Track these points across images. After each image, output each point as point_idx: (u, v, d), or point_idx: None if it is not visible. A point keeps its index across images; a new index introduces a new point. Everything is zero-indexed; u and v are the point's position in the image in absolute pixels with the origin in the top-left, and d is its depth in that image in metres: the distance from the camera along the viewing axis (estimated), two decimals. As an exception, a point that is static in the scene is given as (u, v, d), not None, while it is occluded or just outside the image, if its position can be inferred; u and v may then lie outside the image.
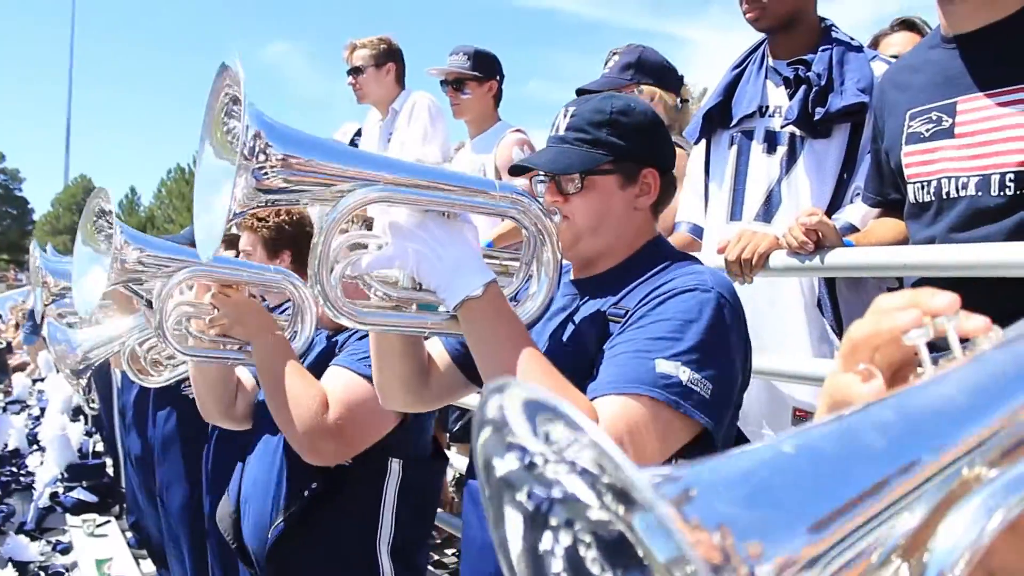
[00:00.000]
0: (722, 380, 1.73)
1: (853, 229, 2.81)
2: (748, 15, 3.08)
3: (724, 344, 1.77)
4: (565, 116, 2.02)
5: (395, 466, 2.71)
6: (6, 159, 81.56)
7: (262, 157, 1.65)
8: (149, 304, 3.15)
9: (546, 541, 0.66)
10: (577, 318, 1.95)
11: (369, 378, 2.46)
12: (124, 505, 7.76)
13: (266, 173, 1.66)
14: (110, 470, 8.62)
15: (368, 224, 1.90)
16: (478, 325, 1.77)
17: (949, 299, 0.76)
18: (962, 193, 2.36)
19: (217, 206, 1.70)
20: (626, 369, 1.70)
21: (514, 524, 0.67)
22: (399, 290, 1.85)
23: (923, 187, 2.46)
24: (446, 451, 4.84)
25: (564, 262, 1.95)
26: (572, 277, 2.07)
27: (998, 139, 2.29)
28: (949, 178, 2.38)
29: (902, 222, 2.64)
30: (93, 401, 8.07)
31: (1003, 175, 2.27)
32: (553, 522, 0.66)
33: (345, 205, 1.69)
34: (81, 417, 9.62)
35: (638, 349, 1.72)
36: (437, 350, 2.14)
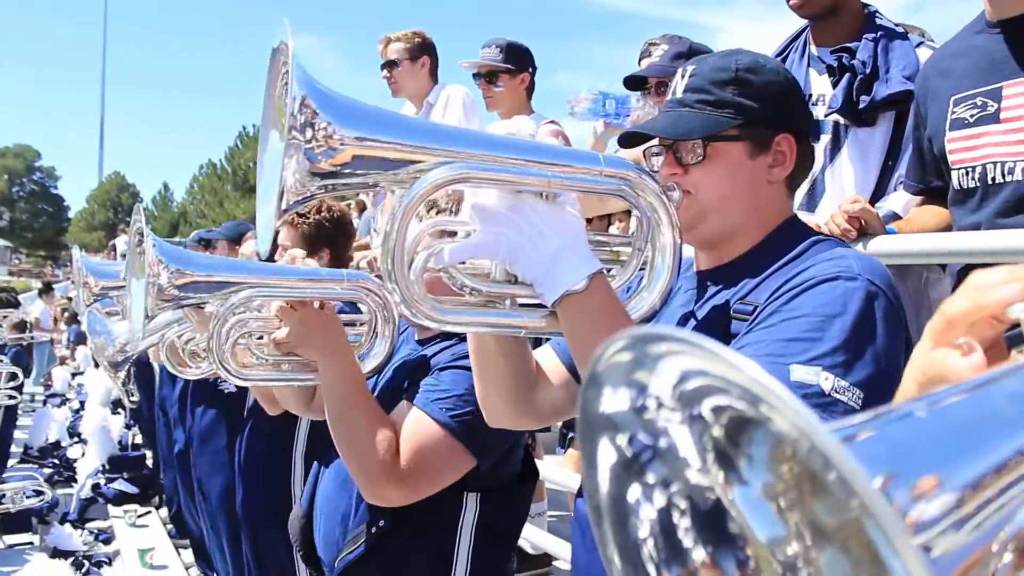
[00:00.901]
0: (876, 386, 1.40)
1: (896, 217, 2.80)
2: (792, 2, 3.07)
3: (876, 342, 1.46)
4: (683, 77, 1.75)
5: (471, 501, 2.45)
6: (42, 157, 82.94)
7: (310, 132, 1.40)
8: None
9: (634, 493, 0.65)
10: (699, 315, 1.70)
11: (443, 423, 2.31)
12: (164, 496, 7.87)
13: (319, 152, 1.41)
14: (150, 462, 8.75)
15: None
16: (580, 324, 1.50)
17: None
18: (1008, 178, 2.34)
19: (273, 196, 1.45)
20: None
21: (607, 457, 0.66)
22: (491, 284, 1.57)
23: (968, 173, 2.44)
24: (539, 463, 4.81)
25: (685, 248, 1.67)
26: (696, 269, 1.80)
27: (1045, 123, 2.27)
28: (995, 163, 2.36)
29: (944, 209, 2.63)
30: (132, 394, 8.19)
31: (1050, 160, 2.25)
32: (649, 478, 0.64)
33: (421, 186, 1.44)
34: (121, 410, 9.79)
35: (769, 353, 1.42)
36: (551, 361, 1.88)
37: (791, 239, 1.68)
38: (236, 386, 3.64)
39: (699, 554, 0.63)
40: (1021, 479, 0.56)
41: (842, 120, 2.99)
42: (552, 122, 4.93)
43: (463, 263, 1.56)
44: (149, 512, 7.72)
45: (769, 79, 1.71)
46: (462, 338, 2.47)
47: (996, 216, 2.36)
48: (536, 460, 4.63)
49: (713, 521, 0.62)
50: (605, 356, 0.62)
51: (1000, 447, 0.56)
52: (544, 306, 1.55)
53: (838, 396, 1.36)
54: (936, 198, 2.69)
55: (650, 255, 1.61)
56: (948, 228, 2.61)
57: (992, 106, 2.38)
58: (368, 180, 1.50)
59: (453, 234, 1.56)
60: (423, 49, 5.47)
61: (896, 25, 3.08)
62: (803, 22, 3.25)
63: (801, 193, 3.04)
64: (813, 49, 3.16)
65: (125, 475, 8.30)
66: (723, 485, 0.60)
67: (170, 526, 7.25)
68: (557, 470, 4.60)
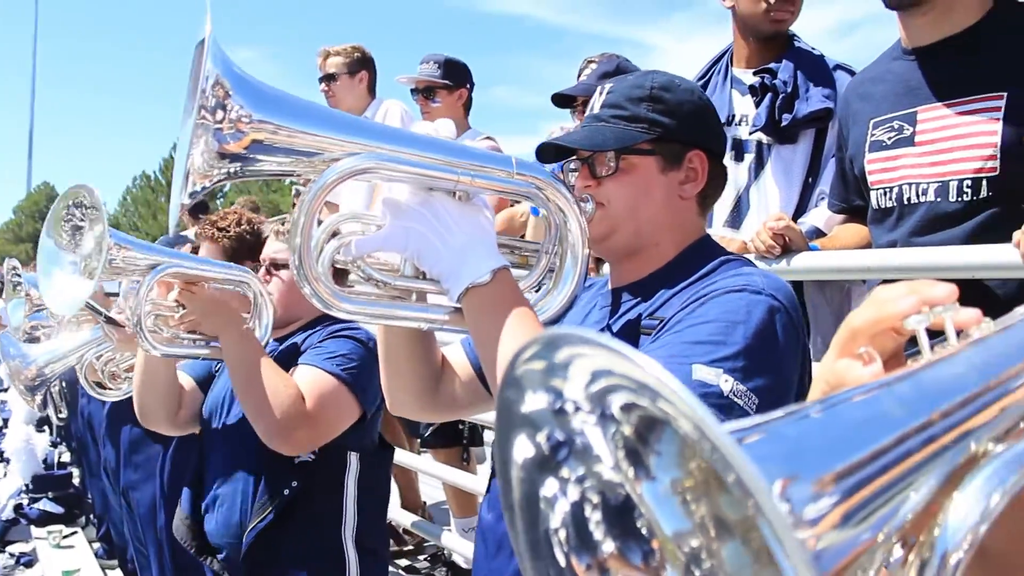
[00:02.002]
0: (770, 394, 1.45)
1: (818, 232, 2.90)
2: (777, 15, 3.16)
3: (775, 353, 1.51)
4: (601, 94, 1.79)
5: (353, 459, 2.86)
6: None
7: (221, 113, 1.36)
8: (108, 319, 3.16)
9: (550, 488, 0.68)
10: (614, 329, 1.72)
11: (335, 375, 2.72)
12: (92, 516, 7.66)
13: (228, 134, 1.37)
14: (77, 480, 8.50)
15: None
16: (484, 317, 1.50)
17: (948, 289, 0.79)
18: (922, 199, 2.44)
19: (181, 175, 1.43)
20: None
21: (522, 454, 0.69)
22: (399, 278, 1.58)
23: (886, 193, 2.54)
24: (416, 455, 4.85)
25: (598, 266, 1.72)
26: (611, 286, 1.83)
27: (956, 147, 2.37)
28: (910, 184, 2.46)
29: (865, 227, 2.72)
30: (61, 411, 7.98)
31: (960, 181, 2.35)
32: (564, 473, 0.67)
33: (329, 175, 1.42)
34: (47, 428, 9.51)
35: (673, 354, 1.46)
36: (458, 357, 1.93)
37: (702, 257, 1.72)
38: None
39: (608, 546, 0.66)
40: (904, 476, 0.60)
41: (765, 139, 3.09)
42: (489, 137, 4.98)
43: (372, 256, 1.57)
44: (75, 532, 7.49)
45: (682, 98, 1.75)
46: (323, 323, 2.95)
47: (911, 235, 2.46)
48: (470, 474, 4.67)
49: (623, 515, 0.65)
50: (521, 359, 0.64)
51: (886, 446, 0.60)
52: (450, 302, 1.56)
53: (735, 399, 1.40)
54: (857, 216, 2.79)
55: (558, 261, 1.63)
56: (868, 245, 2.70)
57: (908, 129, 2.48)
58: (276, 167, 1.47)
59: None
60: (362, 64, 5.47)
61: (812, 48, 3.21)
62: (725, 45, 3.38)
63: (727, 210, 3.13)
64: (735, 71, 3.27)
65: (50, 494, 8.04)
66: (632, 481, 0.62)
67: (97, 545, 7.06)
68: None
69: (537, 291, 1.67)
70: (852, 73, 3.15)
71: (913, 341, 0.80)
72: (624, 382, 0.59)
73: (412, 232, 1.50)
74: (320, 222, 1.48)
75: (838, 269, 2.65)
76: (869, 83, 2.69)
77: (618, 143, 1.70)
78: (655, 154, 1.71)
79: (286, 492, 2.74)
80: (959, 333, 0.77)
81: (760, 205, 3.08)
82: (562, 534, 0.68)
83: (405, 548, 5.38)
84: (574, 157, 1.78)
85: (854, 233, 2.79)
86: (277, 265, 3.01)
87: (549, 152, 1.81)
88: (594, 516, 0.67)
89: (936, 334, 0.78)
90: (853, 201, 2.78)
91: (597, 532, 0.67)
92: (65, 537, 7.29)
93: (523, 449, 0.68)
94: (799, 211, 3.05)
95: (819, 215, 2.97)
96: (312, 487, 2.77)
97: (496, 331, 1.45)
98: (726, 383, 1.40)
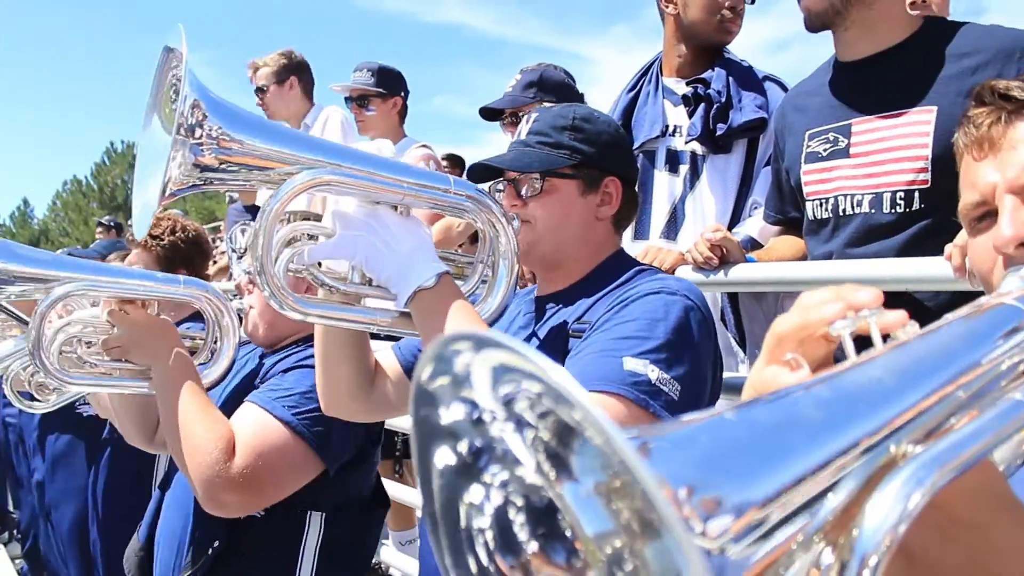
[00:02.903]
0: (690, 382, 1.65)
1: (753, 242, 2.92)
2: (730, 26, 3.24)
3: (691, 345, 1.70)
4: (528, 122, 2.00)
5: (315, 519, 2.37)
6: None
7: (199, 131, 1.54)
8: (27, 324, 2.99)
9: (475, 494, 0.67)
10: (540, 334, 1.89)
11: (286, 421, 2.22)
12: (16, 531, 7.41)
13: (204, 148, 1.55)
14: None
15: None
16: (431, 318, 1.63)
17: (873, 294, 0.80)
18: (857, 210, 2.47)
19: (155, 184, 1.57)
20: (593, 367, 1.61)
21: (443, 462, 0.68)
22: (348, 284, 1.71)
23: (821, 204, 2.56)
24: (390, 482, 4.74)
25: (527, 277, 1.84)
26: (535, 295, 2.02)
27: (889, 159, 2.41)
28: (845, 195, 2.49)
29: (801, 239, 2.75)
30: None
31: (894, 193, 2.39)
32: (487, 478, 0.67)
33: (286, 189, 1.56)
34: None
35: (604, 348, 1.65)
36: (388, 360, 2.05)
37: (619, 268, 1.93)
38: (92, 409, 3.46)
39: (532, 546, 0.66)
40: (820, 478, 0.60)
41: (700, 149, 3.11)
42: (424, 146, 4.94)
43: (323, 264, 1.70)
44: (-2, 548, 7.26)
45: (601, 129, 1.97)
46: (308, 343, 2.42)
47: (846, 246, 2.49)
48: (406, 487, 4.61)
49: (547, 517, 0.64)
50: (425, 375, 0.65)
51: (803, 449, 0.60)
52: (393, 308, 1.71)
53: (662, 387, 1.60)
54: (793, 228, 2.82)
55: (491, 270, 1.79)
56: (804, 257, 2.73)
57: (843, 141, 2.51)
58: (243, 180, 1.65)
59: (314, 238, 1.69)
60: (289, 70, 5.41)
61: (741, 60, 3.27)
62: (652, 56, 3.39)
63: (663, 222, 3.15)
64: (665, 81, 3.29)
65: (-28, 510, 7.78)
66: (554, 483, 0.62)
67: (21, 562, 6.83)
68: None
69: (471, 299, 1.78)
70: (781, 84, 3.22)
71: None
72: (532, 385, 0.59)
73: (360, 241, 1.65)
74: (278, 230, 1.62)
75: (775, 281, 2.67)
76: (805, 96, 2.72)
77: (543, 166, 1.90)
78: (576, 178, 1.93)
79: (216, 545, 2.30)
80: (885, 338, 0.78)
81: (696, 216, 3.10)
82: (487, 535, 0.67)
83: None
84: (501, 179, 1.97)
85: (790, 245, 2.81)
86: None
87: (479, 172, 1.99)
88: (518, 518, 0.66)
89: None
90: (788, 212, 2.81)
91: (521, 533, 0.66)
92: (-13, 554, 7.04)
93: (444, 458, 0.68)
94: (734, 221, 3.08)
95: (754, 224, 3.00)
96: (249, 550, 2.32)
97: (444, 328, 1.59)
98: (652, 372, 1.59)
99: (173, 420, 2.21)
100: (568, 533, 0.62)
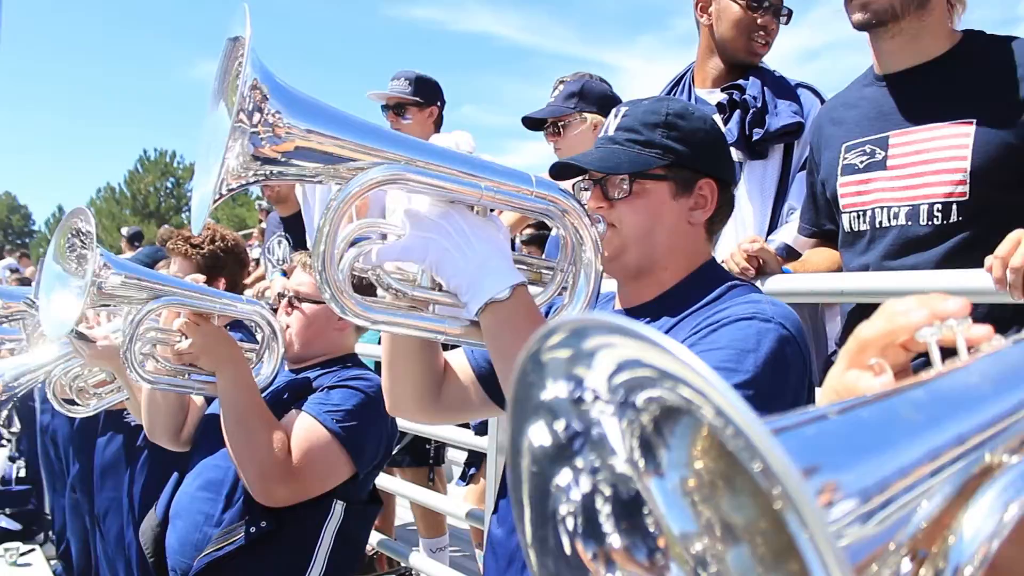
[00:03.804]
0: None
1: (789, 248, 2.92)
2: (760, 48, 3.25)
3: (783, 382, 1.53)
4: (616, 116, 1.83)
5: (338, 508, 2.75)
6: (-75, 176, 78.98)
7: (258, 116, 1.39)
8: (79, 335, 3.11)
9: (563, 478, 0.67)
10: None
11: (333, 431, 2.61)
12: (51, 533, 7.51)
13: (264, 138, 1.41)
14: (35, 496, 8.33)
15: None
16: (501, 333, 1.53)
17: (960, 303, 0.79)
18: (893, 222, 2.47)
19: (213, 177, 1.44)
20: None
21: (538, 441, 0.68)
22: (417, 289, 1.60)
23: (858, 216, 2.56)
24: (391, 475, 4.81)
25: (609, 283, 1.70)
26: (617, 307, 1.87)
27: (927, 171, 2.41)
28: (882, 208, 2.49)
29: (836, 251, 2.75)
30: (11, 425, 7.83)
31: (931, 205, 2.39)
32: (579, 463, 0.66)
33: (357, 184, 1.44)
34: (6, 443, 9.33)
35: None
36: (460, 362, 1.96)
37: (709, 282, 1.76)
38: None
39: (615, 540, 0.66)
40: (919, 482, 0.59)
41: (736, 156, 3.12)
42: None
43: (391, 266, 1.59)
44: (33, 550, 7.34)
45: (696, 126, 1.79)
46: (343, 364, 2.92)
47: (883, 258, 2.49)
48: (439, 495, 4.63)
49: (633, 510, 0.65)
50: (547, 344, 0.63)
51: (905, 450, 0.59)
52: (466, 316, 1.58)
53: None
54: (828, 240, 2.82)
55: (571, 278, 1.66)
56: (838, 269, 2.73)
57: (880, 153, 2.51)
58: (307, 172, 1.50)
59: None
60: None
61: (773, 70, 3.30)
62: (685, 66, 3.42)
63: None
64: (698, 91, 3.30)
65: (7, 511, 7.88)
66: (643, 475, 0.62)
67: (56, 562, 6.91)
68: (459, 504, 4.59)
69: (549, 307, 1.70)
70: (814, 91, 3.24)
71: (920, 357, 0.79)
72: (651, 373, 0.58)
73: (432, 244, 1.52)
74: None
75: (810, 292, 2.67)
76: (841, 108, 2.73)
77: (633, 167, 1.74)
78: (667, 180, 1.76)
79: (253, 530, 2.63)
80: (970, 349, 0.77)
81: (735, 223, 3.10)
82: (570, 522, 0.67)
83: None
84: (585, 177, 1.81)
85: (825, 257, 2.81)
86: (301, 298, 2.93)
87: (562, 171, 1.83)
88: (604, 508, 0.66)
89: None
90: (824, 225, 2.81)
91: (606, 524, 0.66)
92: (22, 555, 7.13)
93: (539, 437, 0.68)
94: (771, 227, 3.09)
95: (789, 231, 3.00)
96: (285, 529, 2.67)
97: (515, 346, 1.46)
98: None
99: (236, 419, 2.58)
100: (652, 529, 0.63)
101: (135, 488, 3.93)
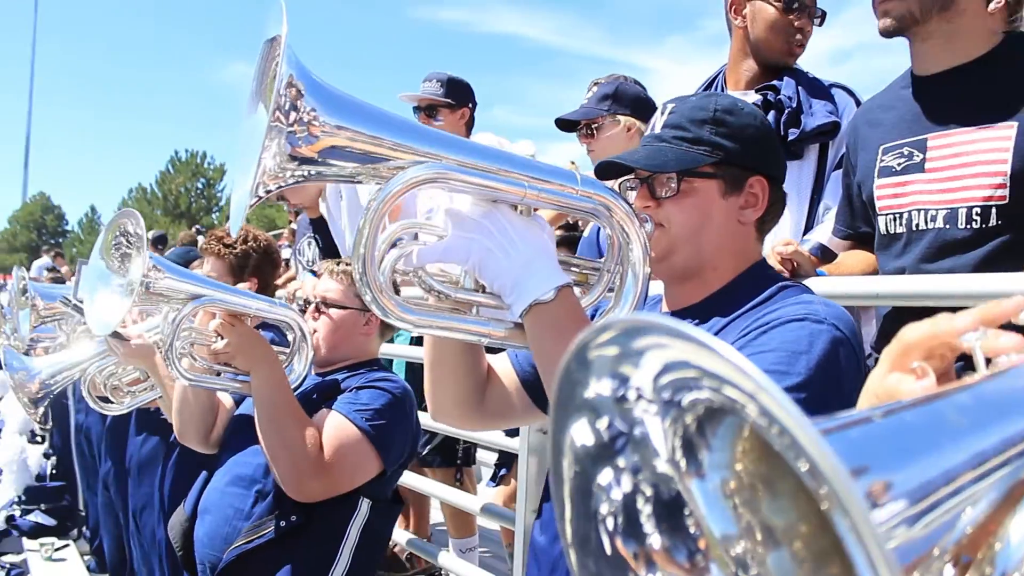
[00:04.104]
0: None
1: (824, 248, 2.90)
2: (797, 50, 3.25)
3: (836, 386, 1.48)
4: (663, 113, 1.78)
5: (364, 506, 2.84)
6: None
7: (294, 115, 1.37)
8: (114, 333, 3.17)
9: (604, 477, 0.68)
10: None
11: (363, 430, 2.72)
12: (84, 528, 7.61)
13: (300, 137, 1.37)
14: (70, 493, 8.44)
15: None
16: (546, 335, 1.48)
17: (1015, 302, 0.79)
18: (931, 225, 2.45)
19: (249, 178, 1.41)
20: None
21: (580, 440, 0.68)
22: (459, 291, 1.56)
23: (895, 219, 2.54)
24: (422, 474, 4.83)
25: (655, 285, 1.67)
26: (665, 309, 1.82)
27: (966, 174, 2.38)
28: (920, 210, 2.47)
29: (871, 254, 2.72)
30: (44, 422, 7.93)
31: (970, 209, 2.36)
32: (620, 463, 0.67)
33: (398, 182, 1.41)
34: (40, 439, 9.47)
35: None
36: (504, 367, 1.92)
37: (760, 282, 1.71)
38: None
39: (656, 540, 0.66)
40: (965, 486, 0.58)
41: None
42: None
43: (433, 267, 1.55)
44: (67, 545, 7.45)
45: (746, 122, 1.74)
46: (369, 368, 3.01)
47: (920, 261, 2.46)
48: (467, 494, 4.64)
49: (674, 511, 0.65)
50: (596, 342, 0.63)
51: (950, 454, 0.59)
52: (510, 318, 1.54)
53: None
54: (863, 243, 2.79)
55: (618, 279, 1.61)
56: (874, 272, 2.70)
57: (918, 156, 2.49)
58: (345, 172, 1.47)
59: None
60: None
61: (806, 71, 3.27)
62: (718, 67, 3.40)
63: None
64: (731, 93, 3.28)
65: (42, 506, 7.99)
66: (684, 476, 0.62)
67: (89, 558, 7.00)
68: (481, 503, 4.59)
69: (596, 308, 1.65)
70: (848, 91, 3.21)
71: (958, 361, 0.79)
72: (698, 374, 0.58)
73: (475, 244, 1.49)
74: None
75: (846, 295, 2.64)
76: (878, 110, 2.70)
77: (680, 165, 1.69)
78: (716, 178, 1.71)
79: (283, 524, 2.71)
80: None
81: (772, 223, 3.10)
82: (611, 521, 0.68)
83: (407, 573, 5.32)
84: (632, 175, 1.76)
85: (860, 260, 2.79)
86: (328, 303, 3.03)
87: (608, 170, 1.79)
88: (645, 508, 0.67)
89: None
90: (859, 227, 2.78)
91: (647, 525, 0.67)
92: (57, 550, 7.25)
93: (581, 435, 0.68)
94: (808, 227, 3.07)
95: (824, 231, 2.98)
96: (313, 524, 2.75)
97: (560, 349, 1.42)
98: None
99: (269, 416, 2.65)
100: (693, 531, 0.63)
101: (165, 484, 3.98)
